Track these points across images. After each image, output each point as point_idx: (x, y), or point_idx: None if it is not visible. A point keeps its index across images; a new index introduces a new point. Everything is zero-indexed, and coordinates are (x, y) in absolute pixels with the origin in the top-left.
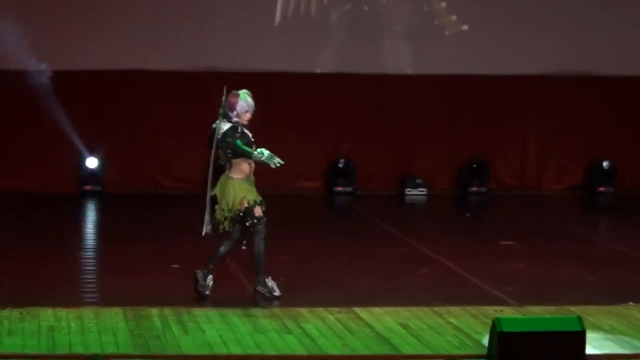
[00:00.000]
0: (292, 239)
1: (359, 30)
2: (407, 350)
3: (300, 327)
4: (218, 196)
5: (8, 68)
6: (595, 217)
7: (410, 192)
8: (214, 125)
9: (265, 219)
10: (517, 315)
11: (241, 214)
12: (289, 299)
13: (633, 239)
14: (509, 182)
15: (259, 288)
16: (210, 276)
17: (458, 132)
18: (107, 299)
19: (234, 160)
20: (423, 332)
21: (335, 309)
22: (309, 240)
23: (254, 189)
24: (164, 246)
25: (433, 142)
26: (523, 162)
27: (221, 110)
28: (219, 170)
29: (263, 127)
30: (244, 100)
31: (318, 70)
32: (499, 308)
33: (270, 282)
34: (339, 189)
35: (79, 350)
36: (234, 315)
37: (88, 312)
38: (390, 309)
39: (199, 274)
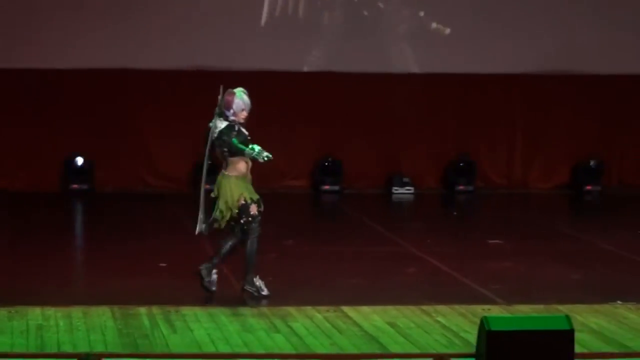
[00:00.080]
0: (280, 238)
1: (347, 29)
2: (395, 349)
3: (289, 326)
4: (215, 195)
5: None
6: (583, 216)
7: (397, 190)
8: (210, 124)
9: (260, 218)
10: (506, 314)
11: (237, 211)
12: (277, 298)
13: (620, 238)
14: (496, 181)
15: (247, 287)
16: (214, 271)
17: (445, 131)
18: (96, 298)
19: (231, 159)
20: (411, 331)
21: (323, 308)
22: (296, 239)
23: (250, 187)
24: (152, 245)
25: (420, 140)
26: (510, 160)
27: (217, 109)
28: (213, 169)
29: (250, 126)
30: (240, 99)
31: (305, 69)
32: (487, 307)
33: (258, 281)
34: (326, 187)
35: (67, 349)
36: (222, 314)
37: (76, 311)
38: (378, 308)
39: (204, 271)
